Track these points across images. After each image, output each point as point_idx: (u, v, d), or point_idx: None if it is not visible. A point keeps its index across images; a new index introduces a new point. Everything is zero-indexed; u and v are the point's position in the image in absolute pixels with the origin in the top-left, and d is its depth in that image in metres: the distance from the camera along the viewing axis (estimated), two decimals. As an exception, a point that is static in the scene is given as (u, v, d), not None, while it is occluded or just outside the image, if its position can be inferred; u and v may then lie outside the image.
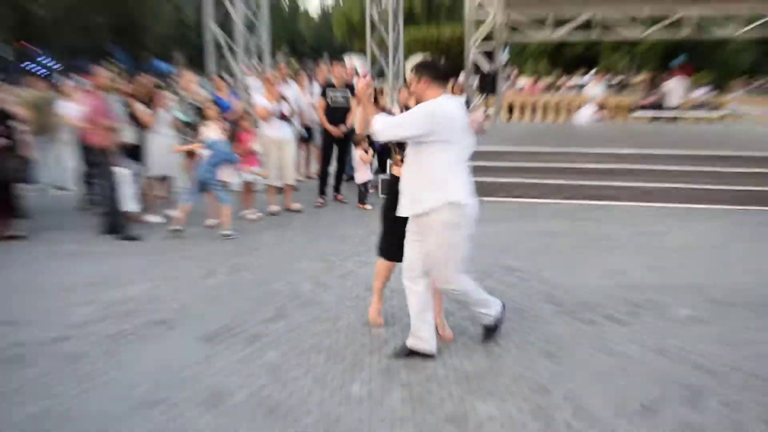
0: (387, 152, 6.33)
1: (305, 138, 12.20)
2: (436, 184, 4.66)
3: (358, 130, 5.34)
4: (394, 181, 5.25)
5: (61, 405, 4.31)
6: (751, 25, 18.99)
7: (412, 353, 4.99)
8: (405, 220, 4.92)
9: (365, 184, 10.61)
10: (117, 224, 8.53)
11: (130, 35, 60.59)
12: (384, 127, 4.68)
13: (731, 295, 6.49)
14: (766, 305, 6.22)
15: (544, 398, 4.41)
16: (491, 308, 5.19)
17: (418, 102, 4.80)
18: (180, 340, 5.33)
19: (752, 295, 6.49)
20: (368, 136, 11.13)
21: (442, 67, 4.84)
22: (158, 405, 4.29)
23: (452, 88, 17.02)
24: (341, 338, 5.37)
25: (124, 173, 8.69)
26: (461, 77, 19.12)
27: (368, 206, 10.38)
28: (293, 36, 65.20)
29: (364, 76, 4.99)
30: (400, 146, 5.15)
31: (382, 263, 5.59)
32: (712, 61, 34.76)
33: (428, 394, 4.45)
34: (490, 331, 5.30)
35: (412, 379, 4.66)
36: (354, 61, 19.80)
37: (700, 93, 25.16)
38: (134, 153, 9.37)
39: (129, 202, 8.69)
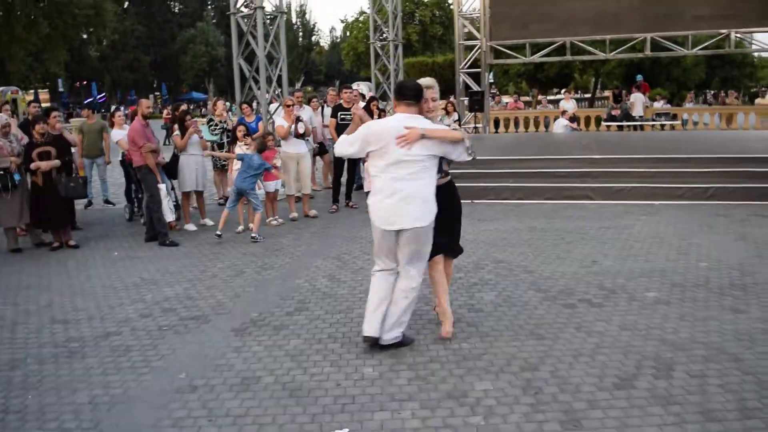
0: None
1: (317, 153, 12.11)
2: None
3: None
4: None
5: (114, 392, 4.24)
6: (701, 46, 18.87)
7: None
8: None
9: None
10: (159, 233, 8.47)
11: (169, 70, 60.88)
12: (338, 147, 4.88)
13: (691, 279, 6.39)
14: (722, 287, 6.11)
15: (534, 375, 4.32)
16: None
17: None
18: (214, 332, 5.25)
19: (709, 279, 6.39)
20: None
21: (398, 88, 4.80)
22: (197, 390, 4.21)
23: (446, 106, 16.97)
24: (354, 327, 5.27)
25: (163, 188, 8.65)
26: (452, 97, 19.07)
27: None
28: (308, 66, 65.24)
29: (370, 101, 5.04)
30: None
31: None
32: (669, 77, 34.66)
33: (431, 374, 4.36)
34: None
35: (417, 361, 4.57)
36: (361, 87, 19.81)
37: (659, 105, 25.03)
38: (171, 170, 9.35)
39: (168, 214, 8.63)
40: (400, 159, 4.51)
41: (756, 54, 38.49)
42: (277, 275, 6.87)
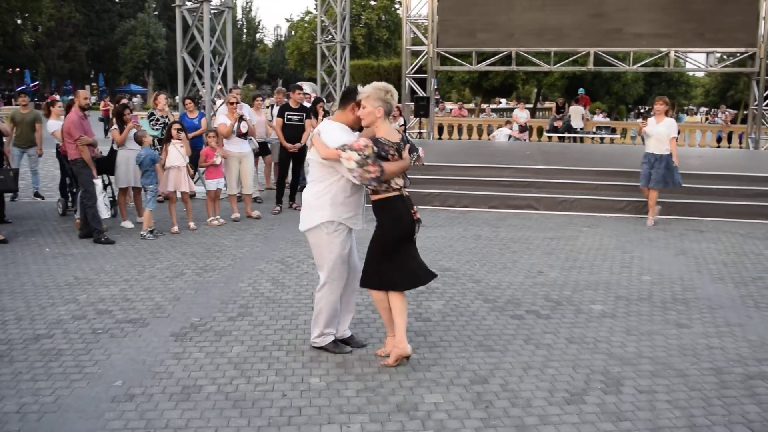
0: None
1: (259, 153, 11.83)
2: None
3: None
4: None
5: (44, 400, 3.97)
6: (641, 63, 19.35)
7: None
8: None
9: None
10: (93, 229, 8.11)
11: (106, 61, 59.19)
12: None
13: (635, 293, 6.46)
14: (665, 302, 6.19)
15: (484, 387, 4.25)
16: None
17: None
18: (152, 337, 5.01)
19: (652, 293, 6.47)
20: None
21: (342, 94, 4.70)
22: (134, 399, 3.98)
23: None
24: (300, 334, 5.12)
25: (99, 183, 8.30)
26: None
27: None
28: (251, 63, 64.39)
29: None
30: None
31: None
32: (608, 92, 35.53)
33: (380, 386, 4.24)
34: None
35: (365, 372, 4.45)
36: (305, 87, 19.60)
37: (599, 118, 25.60)
38: (108, 165, 9.01)
39: (103, 210, 8.28)
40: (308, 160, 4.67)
41: (690, 73, 39.80)
42: (219, 278, 6.64)
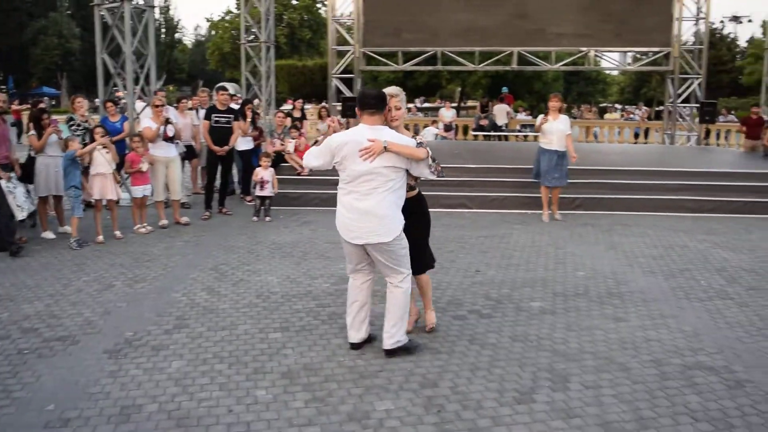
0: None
1: (185, 156, 11.50)
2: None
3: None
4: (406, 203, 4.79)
5: (-35, 429, 3.71)
6: (562, 62, 19.83)
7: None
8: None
9: (269, 199, 10.06)
10: (6, 242, 7.65)
11: (16, 62, 56.63)
12: (305, 159, 4.84)
13: (571, 289, 6.57)
14: (600, 296, 6.32)
15: (434, 391, 4.21)
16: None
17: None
18: (84, 355, 4.75)
19: (588, 288, 6.59)
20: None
21: (360, 97, 4.67)
22: (69, 423, 3.75)
23: (319, 111, 16.79)
24: (241, 345, 4.97)
25: (17, 191, 7.89)
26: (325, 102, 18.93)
27: (269, 218, 9.89)
28: (171, 64, 62.83)
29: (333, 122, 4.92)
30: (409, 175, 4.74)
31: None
32: (531, 90, 36.33)
33: (329, 395, 4.15)
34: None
35: (312, 381, 4.34)
36: (229, 89, 19.21)
37: (522, 116, 26.12)
38: (26, 173, 8.58)
39: (16, 210, 7.83)
40: (361, 172, 4.47)
41: (607, 71, 41.10)
42: (151, 288, 6.39)
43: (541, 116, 10.33)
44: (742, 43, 53.54)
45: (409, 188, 4.84)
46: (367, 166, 4.45)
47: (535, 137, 21.75)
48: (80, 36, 55.63)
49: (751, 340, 5.23)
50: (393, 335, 4.72)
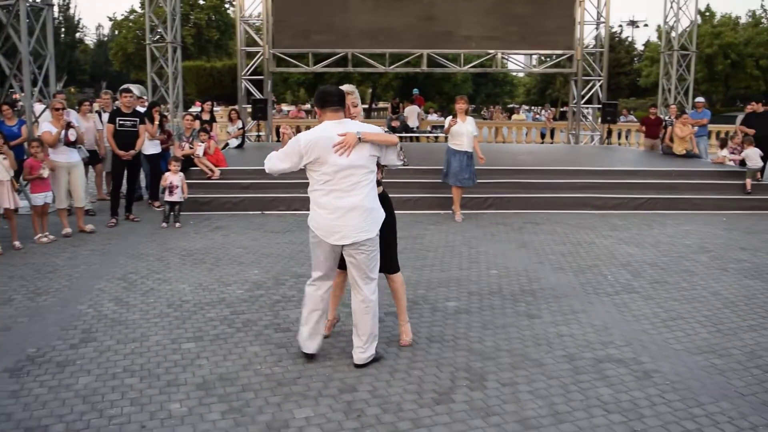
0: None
1: (89, 161, 11.05)
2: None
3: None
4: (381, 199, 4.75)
5: None
6: (471, 64, 20.20)
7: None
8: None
9: (179, 204, 9.78)
10: None
11: None
12: (268, 164, 4.63)
13: (485, 287, 6.68)
14: (514, 294, 6.45)
15: (354, 396, 4.18)
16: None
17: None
18: (-18, 374, 4.49)
19: (501, 286, 6.72)
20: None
21: (321, 95, 4.53)
22: (-35, 449, 3.54)
23: (230, 113, 16.51)
24: (153, 357, 4.80)
25: None
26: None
27: (179, 224, 9.60)
28: (71, 65, 60.33)
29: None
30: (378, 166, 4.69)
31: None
32: (440, 92, 36.86)
33: (246, 405, 4.06)
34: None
35: (228, 392, 4.23)
36: (134, 91, 18.63)
37: (433, 117, 26.47)
38: None
39: None
40: (340, 168, 4.38)
41: (513, 73, 42.12)
42: (55, 301, 6.08)
43: (449, 118, 10.47)
44: (639, 46, 56.10)
45: (377, 183, 4.80)
46: (347, 160, 4.37)
47: (446, 138, 22.21)
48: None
49: (656, 331, 5.46)
50: (366, 350, 4.62)
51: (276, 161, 4.54)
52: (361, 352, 4.61)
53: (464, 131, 10.04)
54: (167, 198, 9.64)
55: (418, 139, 21.27)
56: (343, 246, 4.51)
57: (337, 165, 4.37)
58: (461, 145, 10.09)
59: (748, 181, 11.73)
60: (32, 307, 5.92)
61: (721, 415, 3.99)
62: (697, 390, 4.34)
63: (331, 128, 4.42)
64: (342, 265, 4.72)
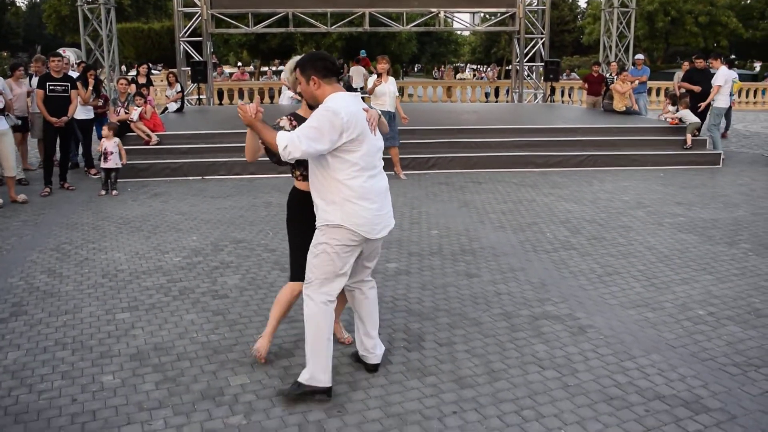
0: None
1: (20, 129, 10.65)
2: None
3: (249, 158, 3.92)
4: (300, 196, 3.96)
5: None
6: (414, 23, 20.04)
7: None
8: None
9: (116, 171, 9.51)
10: None
11: None
12: (297, 145, 3.39)
13: (426, 248, 6.71)
14: (454, 254, 6.50)
15: (290, 361, 4.16)
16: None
17: (311, 105, 3.73)
18: None
19: (441, 246, 6.75)
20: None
21: (322, 62, 3.66)
22: None
23: (167, 76, 16.08)
24: (85, 329, 4.69)
25: None
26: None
27: (116, 192, 9.32)
28: (3, 28, 57.94)
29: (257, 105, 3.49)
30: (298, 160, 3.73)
31: (290, 287, 4.12)
32: (385, 51, 36.51)
33: (181, 374, 4.00)
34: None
35: (163, 361, 4.17)
36: (68, 54, 17.97)
37: (373, 77, 26.21)
38: None
39: None
40: (378, 148, 3.74)
41: (458, 32, 42.02)
42: (-17, 275, 5.90)
43: (373, 78, 10.41)
44: (583, 3, 56.49)
45: None
46: (378, 139, 3.77)
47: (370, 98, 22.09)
48: None
49: (592, 287, 5.57)
50: (379, 343, 4.09)
51: (309, 142, 3.39)
52: (379, 348, 4.07)
53: (387, 91, 10.07)
54: (103, 165, 9.37)
55: (363, 99, 21.10)
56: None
57: (375, 144, 3.69)
58: (384, 105, 10.09)
59: (689, 136, 11.97)
60: (-42, 281, 5.72)
61: (651, 368, 4.11)
62: (630, 344, 4.45)
63: (352, 101, 3.63)
64: None
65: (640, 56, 16.46)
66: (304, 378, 3.69)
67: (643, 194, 9.26)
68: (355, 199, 3.58)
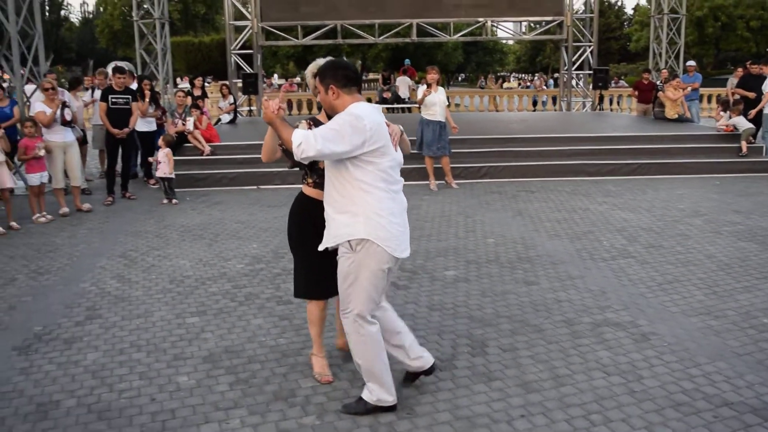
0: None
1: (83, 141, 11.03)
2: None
3: (265, 158, 3.87)
4: (307, 201, 3.91)
5: None
6: (461, 33, 20.12)
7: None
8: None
9: (168, 180, 9.79)
10: None
11: None
12: (313, 144, 3.24)
13: (482, 256, 6.76)
14: (511, 261, 6.53)
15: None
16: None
17: (329, 115, 3.64)
18: (-9, 353, 4.54)
19: (498, 254, 6.79)
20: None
21: (343, 71, 3.56)
22: (-20, 426, 3.61)
23: (221, 88, 16.44)
24: (158, 332, 4.86)
25: None
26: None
27: (176, 201, 9.61)
28: (57, 44, 59.68)
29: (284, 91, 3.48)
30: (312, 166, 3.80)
31: (312, 306, 4.07)
32: (431, 61, 36.67)
33: (253, 376, 4.13)
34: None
35: (234, 363, 4.31)
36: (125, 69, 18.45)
37: (423, 88, 26.30)
38: None
39: None
40: (398, 163, 3.60)
41: (504, 41, 41.94)
42: (57, 280, 6.13)
43: (422, 88, 10.52)
44: (629, 10, 55.86)
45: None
46: (400, 154, 3.63)
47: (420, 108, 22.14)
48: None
49: (652, 295, 5.55)
50: (421, 348, 3.96)
51: (325, 142, 3.26)
52: (426, 352, 3.96)
53: (437, 101, 10.21)
54: (157, 174, 9.71)
55: (409, 110, 21.22)
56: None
57: (395, 159, 3.55)
58: (434, 114, 10.24)
59: (744, 143, 11.76)
60: (35, 286, 5.97)
61: (717, 375, 4.09)
62: (694, 351, 4.44)
63: (375, 112, 3.52)
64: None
65: (691, 63, 16.26)
66: (370, 399, 3.65)
67: (699, 202, 9.15)
68: (380, 211, 3.44)
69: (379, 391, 3.62)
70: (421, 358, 3.87)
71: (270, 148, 3.79)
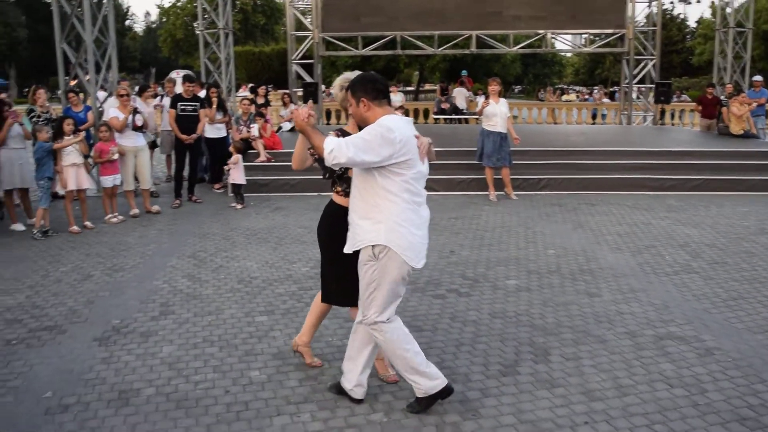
0: None
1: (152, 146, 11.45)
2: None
3: (295, 165, 4.11)
4: (339, 211, 3.98)
5: (-36, 419, 3.75)
6: (520, 45, 20.12)
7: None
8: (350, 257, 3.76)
9: (238, 186, 10.09)
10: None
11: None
12: (344, 151, 3.37)
13: (543, 266, 6.80)
14: (573, 273, 6.56)
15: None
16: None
17: (360, 127, 3.71)
18: (73, 344, 4.80)
19: (559, 265, 6.83)
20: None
21: (373, 83, 3.68)
22: (69, 409, 3.83)
23: (282, 97, 16.80)
24: (229, 329, 5.07)
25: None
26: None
27: (239, 206, 9.90)
28: (122, 52, 61.60)
29: (310, 108, 3.50)
30: (342, 175, 3.93)
31: (326, 306, 4.32)
32: (489, 73, 36.68)
33: (321, 374, 4.29)
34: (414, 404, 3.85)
35: (303, 361, 4.47)
36: (182, 76, 19.01)
37: (481, 99, 26.35)
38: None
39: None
40: (424, 175, 3.70)
41: (563, 53, 41.59)
42: (131, 277, 6.42)
43: (481, 99, 10.61)
44: (692, 23, 54.82)
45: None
46: (426, 167, 3.73)
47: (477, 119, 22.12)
48: (26, 24, 54.10)
49: (717, 311, 5.52)
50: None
51: (356, 150, 3.37)
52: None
53: (498, 112, 10.26)
54: (228, 180, 10.08)
55: (467, 120, 21.31)
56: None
57: (421, 172, 3.66)
58: (495, 126, 10.32)
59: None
60: (111, 282, 6.26)
61: (784, 391, 4.08)
62: (760, 367, 4.42)
63: (405, 124, 3.62)
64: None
65: (758, 77, 15.94)
66: (421, 394, 3.75)
67: (765, 220, 9.00)
68: (402, 221, 3.55)
69: (423, 381, 3.72)
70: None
71: (300, 155, 3.99)
